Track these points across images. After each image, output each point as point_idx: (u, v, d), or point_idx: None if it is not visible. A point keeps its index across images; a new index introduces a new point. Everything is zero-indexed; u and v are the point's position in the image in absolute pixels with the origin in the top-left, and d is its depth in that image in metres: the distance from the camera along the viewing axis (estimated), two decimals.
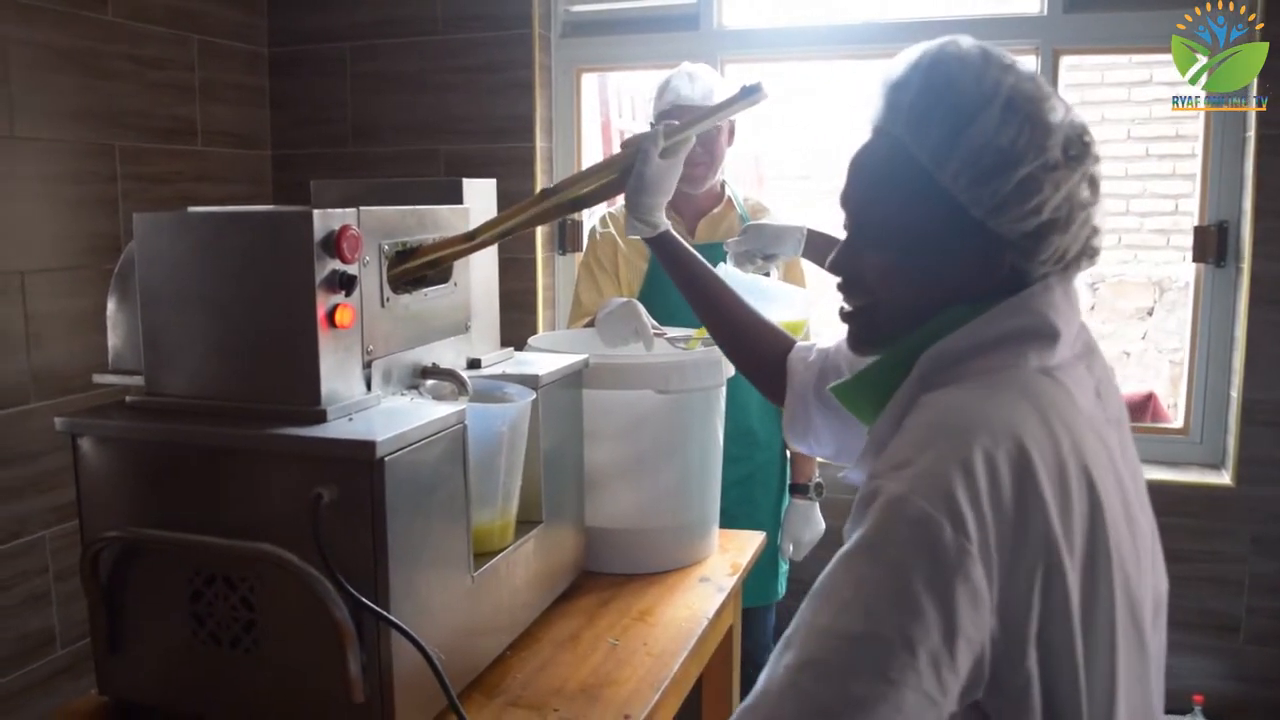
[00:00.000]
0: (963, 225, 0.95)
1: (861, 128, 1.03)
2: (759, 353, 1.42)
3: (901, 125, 0.96)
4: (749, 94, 1.37)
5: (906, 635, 0.79)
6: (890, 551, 0.83)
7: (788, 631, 0.87)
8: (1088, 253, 0.99)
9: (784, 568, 2.53)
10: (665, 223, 1.45)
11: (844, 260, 1.04)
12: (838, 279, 1.06)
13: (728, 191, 2.45)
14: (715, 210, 2.42)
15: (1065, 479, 0.87)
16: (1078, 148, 0.94)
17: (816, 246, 2.06)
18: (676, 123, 1.43)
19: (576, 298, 2.47)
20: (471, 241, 1.40)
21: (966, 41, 0.98)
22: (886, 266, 0.99)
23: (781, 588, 2.53)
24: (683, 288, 1.46)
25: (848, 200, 1.03)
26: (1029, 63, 1.01)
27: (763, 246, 2.03)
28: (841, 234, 1.06)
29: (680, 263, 1.46)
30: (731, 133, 2.38)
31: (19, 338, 2.28)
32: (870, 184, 1.00)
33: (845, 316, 1.07)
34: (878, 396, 1.01)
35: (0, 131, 2.24)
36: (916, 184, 0.95)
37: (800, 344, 1.40)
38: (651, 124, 1.41)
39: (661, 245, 1.45)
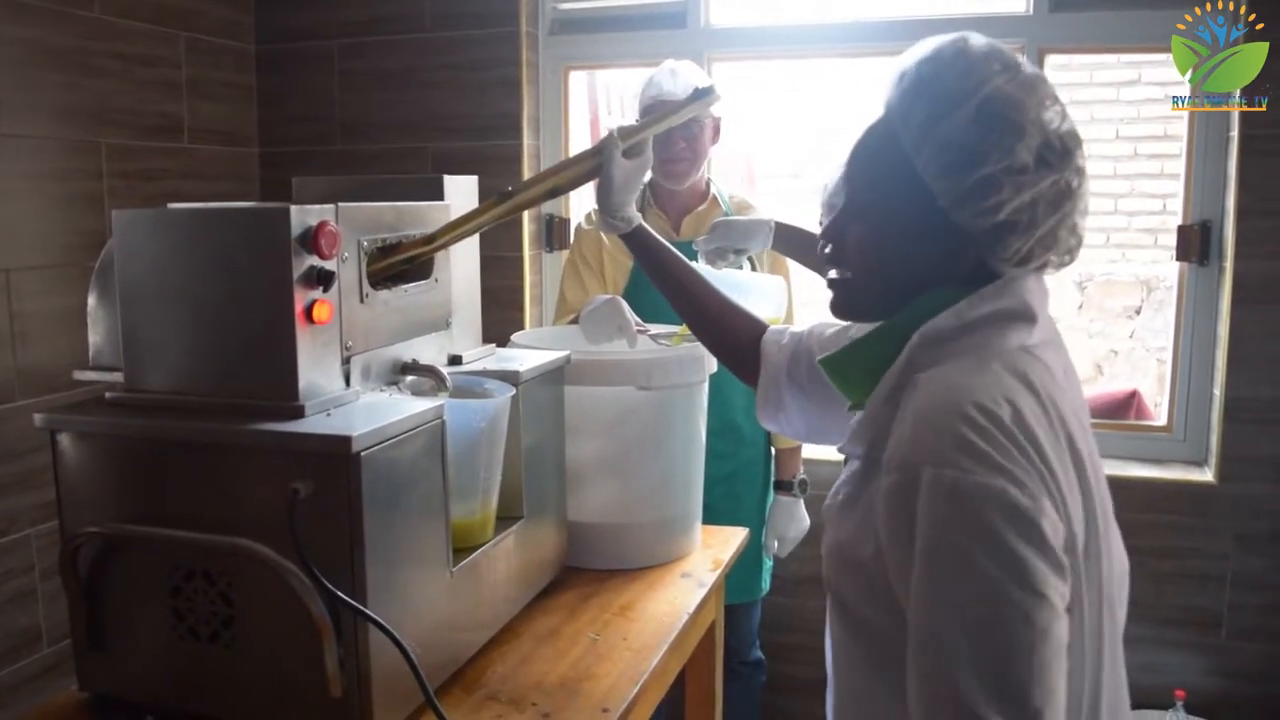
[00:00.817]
0: (931, 212, 0.99)
1: (874, 112, 1.07)
2: (733, 337, 1.46)
3: (894, 110, 1.01)
4: (702, 95, 1.44)
5: (1036, 590, 0.87)
6: (973, 532, 0.88)
7: (918, 640, 0.90)
8: (1060, 255, 1.02)
9: (768, 564, 2.54)
10: (636, 217, 1.48)
11: (831, 229, 1.09)
12: (826, 249, 1.10)
13: (713, 189, 2.46)
14: (701, 208, 2.43)
15: (1056, 442, 0.94)
16: (1054, 154, 0.97)
17: (786, 238, 2.08)
18: (634, 123, 1.46)
19: (562, 295, 2.48)
20: (431, 244, 1.41)
21: (976, 39, 1.02)
22: (863, 239, 1.05)
23: (765, 584, 2.54)
24: (655, 278, 1.50)
25: (844, 176, 1.08)
26: (1033, 67, 1.03)
27: (733, 242, 2.04)
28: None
29: (653, 255, 1.49)
30: (716, 130, 2.39)
31: (4, 335, 2.28)
32: (862, 160, 1.05)
33: (830, 284, 1.11)
34: (867, 373, 1.05)
35: None
36: (898, 167, 1.00)
37: (773, 328, 1.44)
38: (610, 131, 1.45)
39: (634, 239, 1.49)
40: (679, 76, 2.30)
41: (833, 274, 1.10)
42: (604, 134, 1.45)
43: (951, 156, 0.96)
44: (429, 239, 1.41)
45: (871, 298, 1.07)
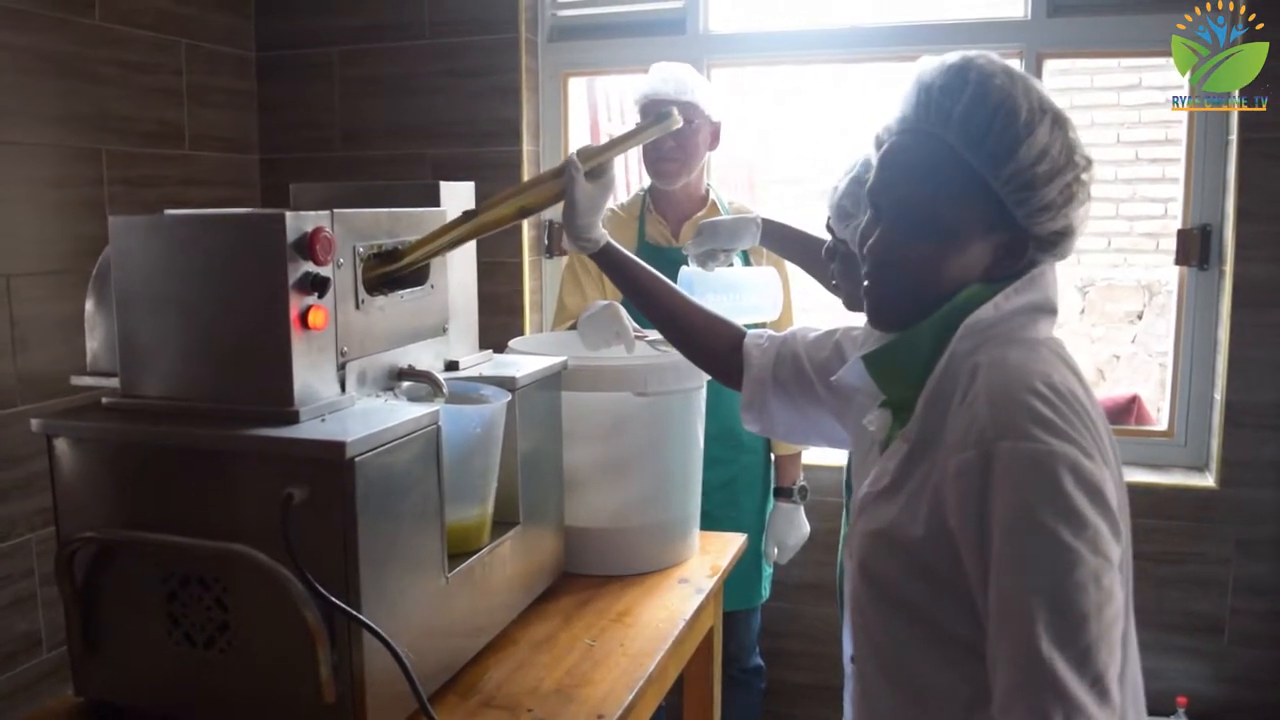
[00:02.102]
0: (1001, 222, 1.06)
1: (892, 126, 1.11)
2: (712, 346, 1.49)
3: (952, 131, 1.04)
4: (660, 119, 1.47)
5: (1104, 554, 0.94)
6: (1051, 499, 0.94)
7: (1003, 607, 0.95)
8: (1064, 251, 1.11)
9: (767, 571, 2.53)
10: (604, 236, 1.49)
11: (882, 247, 1.11)
12: (872, 263, 1.13)
13: (712, 195, 2.46)
14: (699, 214, 2.43)
15: (1100, 416, 1.04)
16: (1085, 159, 1.07)
17: (774, 235, 2.09)
18: (593, 145, 1.48)
19: (560, 300, 2.49)
20: (397, 264, 1.41)
21: (993, 57, 1.08)
22: (927, 254, 1.08)
23: (765, 591, 2.53)
24: (629, 294, 1.52)
25: (880, 193, 1.11)
26: (1014, 66, 1.09)
27: (720, 243, 2.05)
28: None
29: (623, 271, 1.51)
30: (715, 136, 2.39)
31: (5, 341, 2.29)
32: (911, 180, 1.08)
33: (871, 295, 1.14)
34: (911, 366, 1.11)
35: None
36: (963, 183, 1.05)
37: (752, 332, 1.47)
38: (571, 154, 1.45)
39: (604, 258, 1.50)
40: (669, 76, 2.31)
41: (875, 287, 1.13)
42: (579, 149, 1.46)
43: (1042, 170, 1.03)
44: (397, 256, 1.41)
45: (916, 306, 1.10)
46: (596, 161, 1.44)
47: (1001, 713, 0.93)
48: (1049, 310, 1.10)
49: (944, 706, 1.04)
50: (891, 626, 1.10)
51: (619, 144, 1.48)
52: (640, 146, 2.07)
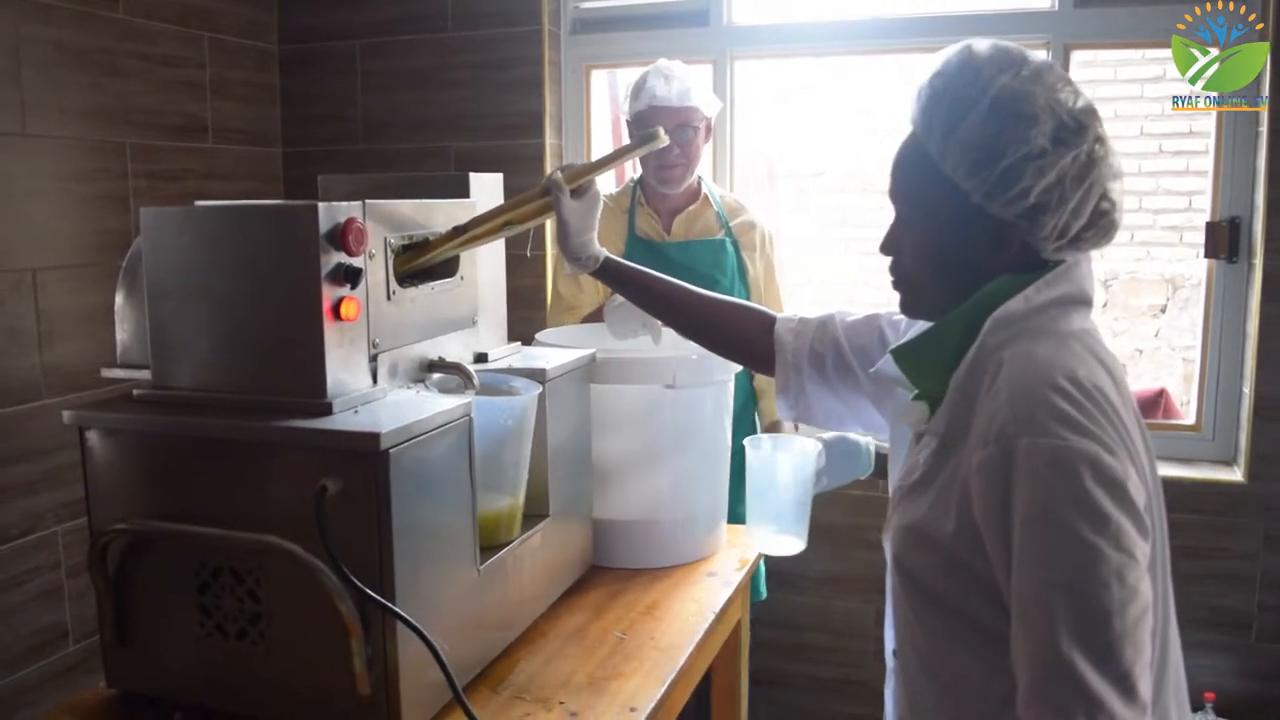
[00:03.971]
0: (970, 210, 1.06)
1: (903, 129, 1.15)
2: (742, 334, 1.47)
3: (918, 125, 1.09)
4: (646, 139, 1.45)
5: (1127, 550, 0.93)
6: (1070, 496, 0.93)
7: (1024, 604, 0.95)
8: (1101, 228, 1.08)
9: (761, 569, 2.50)
10: (601, 252, 1.48)
11: (888, 243, 1.17)
12: (894, 256, 1.17)
13: (704, 189, 2.44)
14: (691, 208, 2.41)
15: (1129, 411, 1.02)
16: (1069, 132, 1.03)
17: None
18: (576, 163, 1.49)
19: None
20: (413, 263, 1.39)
21: (981, 45, 1.08)
22: (918, 247, 1.13)
23: (763, 589, 2.50)
24: (642, 303, 1.52)
25: (891, 189, 1.15)
26: (1040, 57, 1.09)
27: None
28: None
29: (630, 282, 1.51)
30: (709, 130, 2.36)
31: (31, 335, 2.30)
32: (900, 176, 1.13)
33: (896, 286, 1.18)
34: (940, 359, 1.11)
35: (12, 129, 2.25)
36: (931, 176, 1.08)
37: (783, 316, 1.45)
38: (560, 169, 1.44)
39: (606, 273, 1.50)
40: (673, 81, 2.26)
41: (894, 279, 1.17)
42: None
43: (974, 156, 1.03)
44: (428, 247, 1.40)
45: (938, 296, 1.13)
46: (580, 182, 1.43)
47: (1024, 708, 0.93)
48: (1083, 302, 1.09)
49: (982, 700, 1.04)
50: (927, 620, 1.09)
51: (603, 164, 1.46)
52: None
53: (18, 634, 2.30)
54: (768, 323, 1.45)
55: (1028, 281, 1.07)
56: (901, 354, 1.16)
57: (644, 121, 2.26)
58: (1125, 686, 0.90)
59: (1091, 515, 0.93)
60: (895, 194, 1.14)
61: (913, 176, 1.11)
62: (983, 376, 1.05)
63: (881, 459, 1.65)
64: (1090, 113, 1.05)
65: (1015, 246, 1.07)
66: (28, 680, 2.32)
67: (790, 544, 1.69)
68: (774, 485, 1.66)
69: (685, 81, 2.27)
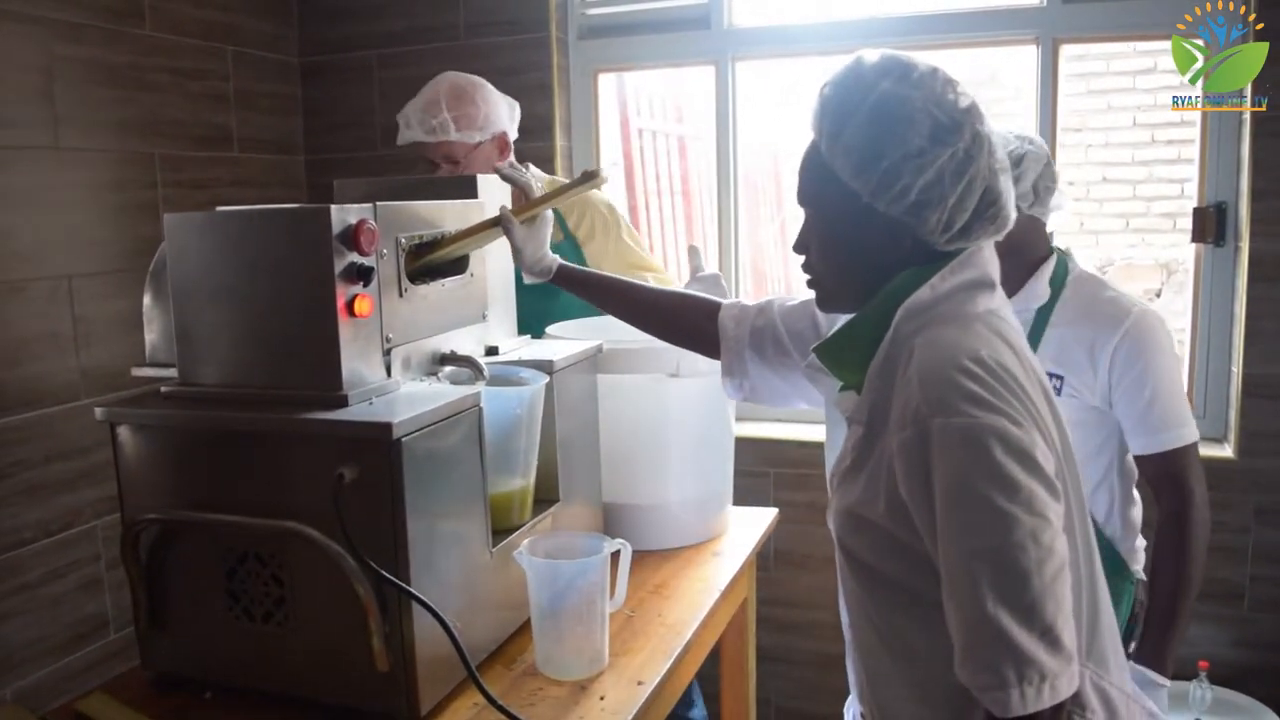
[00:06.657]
0: (862, 209, 1.14)
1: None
2: (686, 324, 1.55)
3: (814, 130, 1.17)
4: (588, 178, 1.53)
5: (1039, 513, 0.98)
6: (983, 468, 0.99)
7: (950, 574, 1.01)
8: (989, 218, 1.14)
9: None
10: (555, 261, 1.57)
11: (799, 243, 1.24)
12: (803, 254, 1.24)
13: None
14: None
15: (1033, 385, 1.08)
16: (945, 131, 1.10)
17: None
18: (518, 205, 1.55)
19: None
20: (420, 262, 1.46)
21: (870, 56, 1.15)
22: (822, 245, 1.21)
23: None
24: (598, 302, 1.61)
25: (797, 195, 1.23)
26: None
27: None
28: None
29: (585, 285, 1.61)
30: (501, 144, 2.31)
31: (68, 338, 2.39)
32: (803, 180, 1.21)
33: (809, 285, 1.26)
34: (859, 351, 1.18)
35: (46, 143, 2.34)
36: (828, 179, 1.15)
37: (727, 303, 1.52)
38: (501, 208, 1.54)
39: (561, 279, 1.59)
40: (425, 121, 2.18)
41: (808, 276, 1.25)
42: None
43: (856, 158, 1.11)
44: (438, 245, 1.47)
45: (846, 291, 1.21)
46: (526, 216, 1.53)
47: (960, 669, 0.99)
48: (987, 285, 1.15)
49: (932, 664, 1.09)
50: (874, 594, 1.16)
51: (546, 200, 1.55)
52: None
53: (61, 624, 2.40)
54: (712, 311, 1.52)
55: (932, 272, 1.13)
56: (823, 350, 1.24)
57: (419, 151, 2.21)
58: (1050, 639, 0.96)
59: (1004, 485, 0.98)
60: (801, 196, 1.21)
61: (813, 180, 1.18)
62: (897, 364, 1.11)
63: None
64: (969, 112, 1.12)
65: (908, 241, 1.14)
66: (73, 667, 2.41)
67: None
68: None
69: (429, 117, 2.18)
